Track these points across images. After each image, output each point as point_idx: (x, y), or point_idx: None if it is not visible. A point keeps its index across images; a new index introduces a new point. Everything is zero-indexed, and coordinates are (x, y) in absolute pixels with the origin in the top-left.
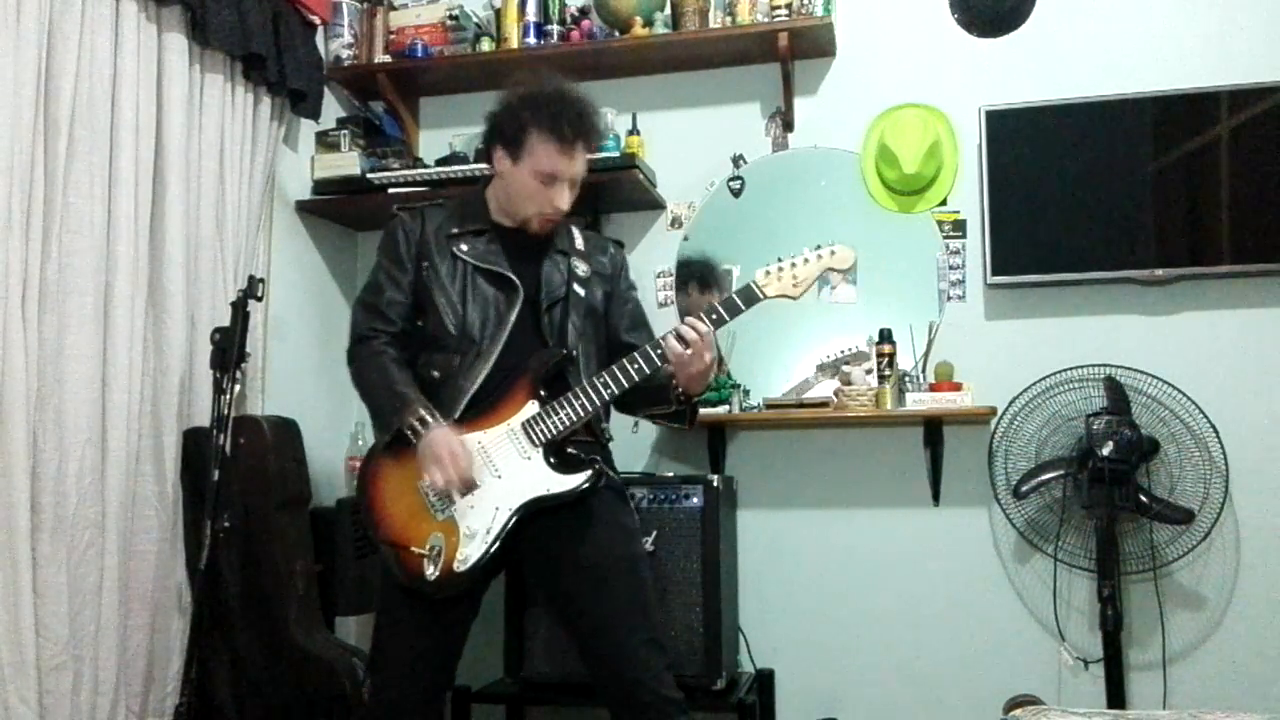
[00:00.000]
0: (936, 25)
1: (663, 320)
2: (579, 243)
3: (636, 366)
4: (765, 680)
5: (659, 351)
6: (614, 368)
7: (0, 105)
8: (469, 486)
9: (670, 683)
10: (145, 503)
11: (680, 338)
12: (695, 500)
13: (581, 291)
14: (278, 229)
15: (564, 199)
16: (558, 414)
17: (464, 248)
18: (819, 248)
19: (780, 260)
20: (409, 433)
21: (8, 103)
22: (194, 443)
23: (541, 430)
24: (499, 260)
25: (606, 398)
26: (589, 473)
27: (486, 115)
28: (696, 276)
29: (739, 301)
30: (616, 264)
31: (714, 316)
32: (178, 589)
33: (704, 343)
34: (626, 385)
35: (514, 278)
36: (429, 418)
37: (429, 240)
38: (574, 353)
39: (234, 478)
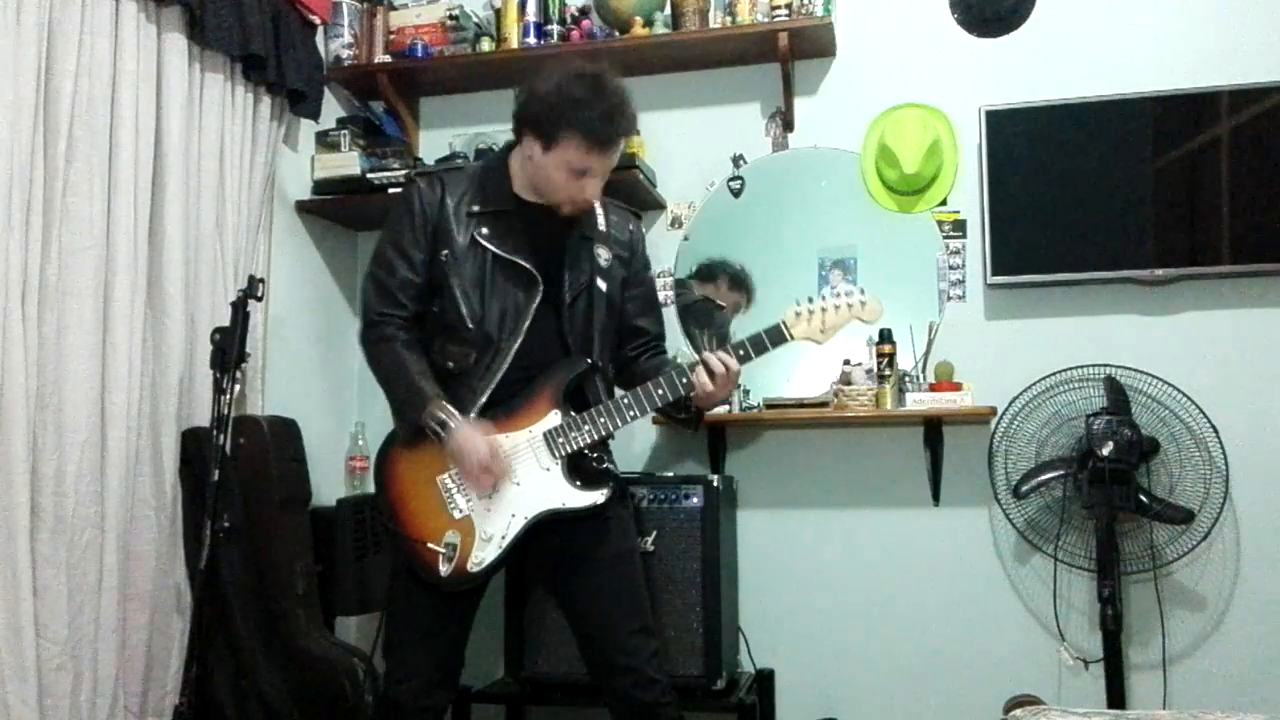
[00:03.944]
0: (936, 25)
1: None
2: (600, 222)
3: (661, 393)
4: (765, 680)
5: (685, 381)
6: (639, 392)
7: (0, 105)
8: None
9: (658, 667)
10: (144, 503)
11: (710, 373)
12: (695, 500)
13: (604, 285)
14: (278, 229)
15: (593, 191)
16: (580, 429)
17: (485, 231)
18: (850, 294)
19: (811, 300)
20: (430, 432)
21: (8, 103)
22: (193, 443)
23: (563, 443)
24: (521, 249)
25: (630, 419)
26: (604, 492)
27: (521, 92)
28: (727, 274)
29: (767, 342)
30: (636, 243)
31: (740, 353)
32: (177, 589)
33: (731, 378)
34: (650, 410)
35: (535, 272)
36: (449, 418)
37: (448, 214)
38: (599, 363)
39: (234, 478)
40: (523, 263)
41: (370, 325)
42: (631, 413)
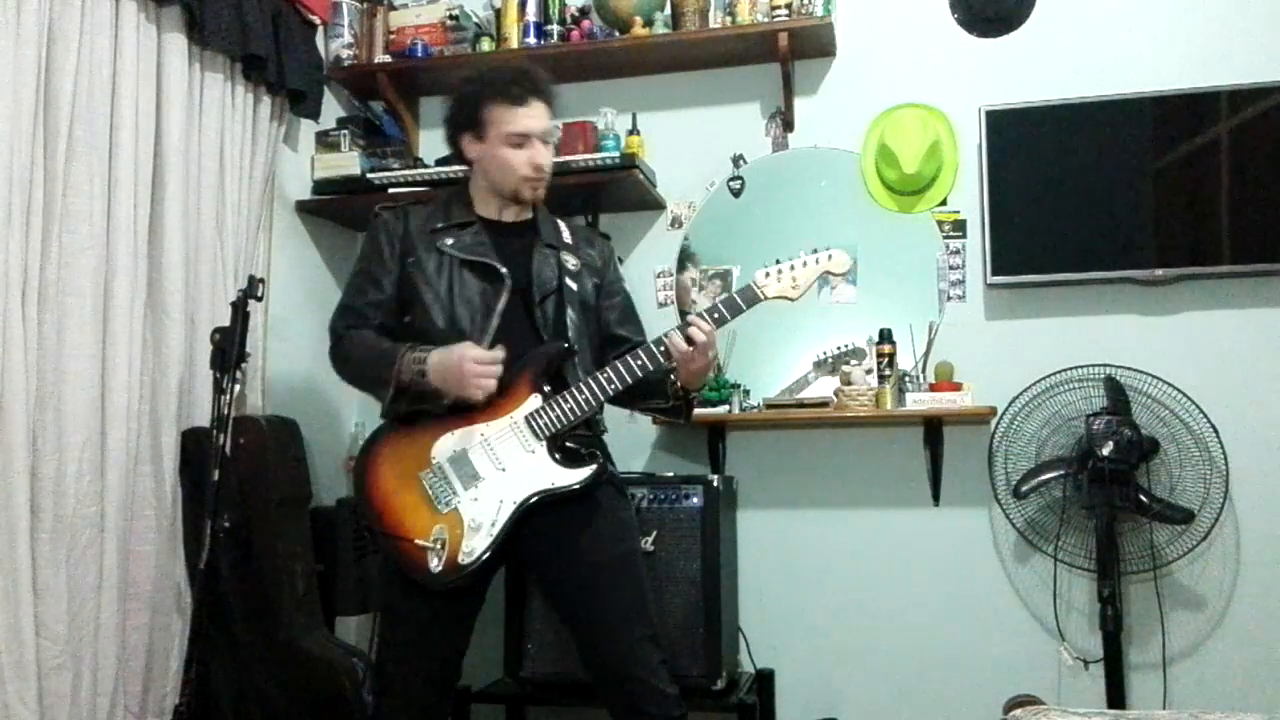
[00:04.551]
0: (936, 25)
1: (663, 320)
2: (566, 236)
3: (640, 363)
4: (765, 680)
5: (662, 349)
6: (618, 364)
7: (0, 105)
8: (481, 461)
9: (666, 678)
10: (144, 503)
11: (687, 337)
12: (695, 500)
13: (574, 285)
14: (278, 229)
15: (541, 156)
16: (562, 407)
17: (449, 242)
18: (815, 251)
19: (779, 262)
20: (413, 382)
21: (8, 103)
22: (193, 442)
23: (545, 424)
24: (485, 251)
25: (611, 393)
26: (593, 468)
27: (443, 118)
28: (678, 263)
29: (740, 301)
30: (605, 256)
31: (715, 315)
32: (177, 589)
33: (707, 341)
34: (630, 381)
35: (500, 268)
36: (423, 353)
37: (413, 238)
38: (574, 347)
39: (234, 477)
40: (487, 261)
41: (336, 339)
42: (613, 385)
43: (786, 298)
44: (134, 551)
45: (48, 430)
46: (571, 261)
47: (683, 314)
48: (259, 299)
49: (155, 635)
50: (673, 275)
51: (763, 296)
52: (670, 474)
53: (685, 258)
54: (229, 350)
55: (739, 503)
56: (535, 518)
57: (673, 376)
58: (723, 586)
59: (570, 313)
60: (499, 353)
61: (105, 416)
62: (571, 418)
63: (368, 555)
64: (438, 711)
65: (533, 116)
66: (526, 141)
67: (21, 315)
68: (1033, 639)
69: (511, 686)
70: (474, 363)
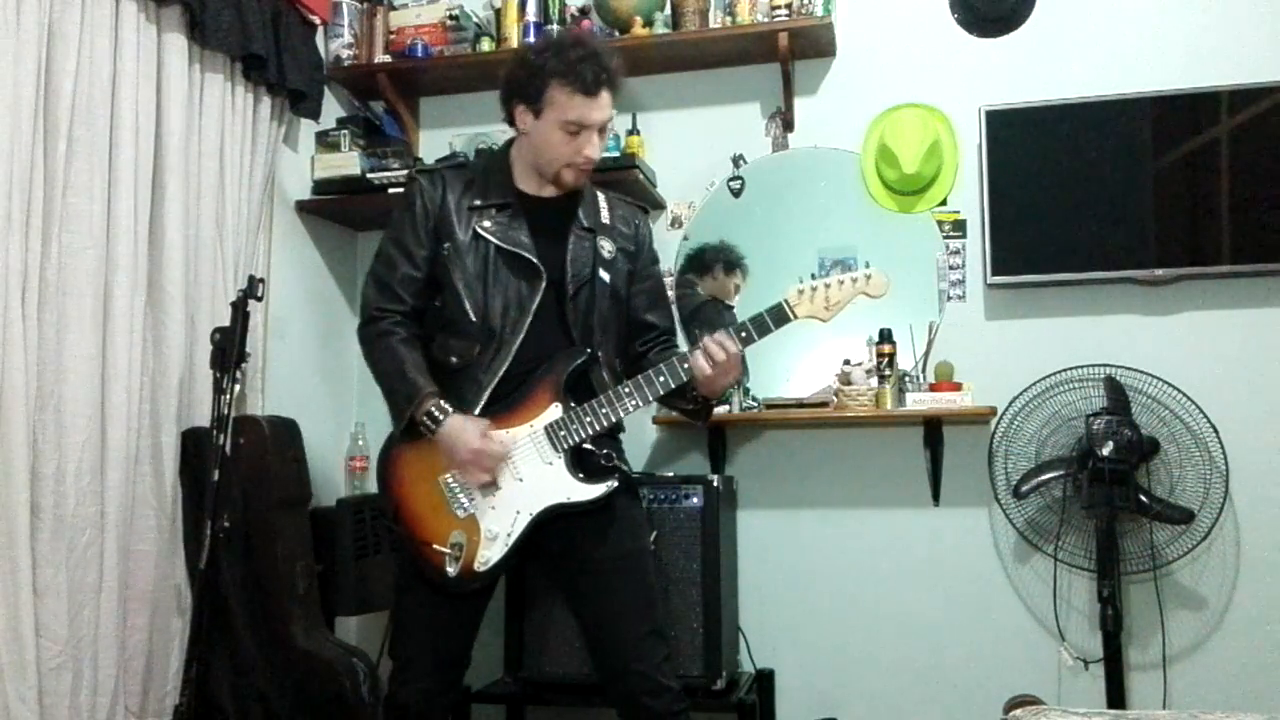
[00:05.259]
0: (936, 25)
1: None
2: (604, 215)
3: (662, 380)
4: (765, 680)
5: (685, 366)
6: (640, 380)
7: (0, 105)
8: (500, 470)
9: (669, 672)
10: (144, 503)
11: (709, 357)
12: (695, 500)
13: (607, 277)
14: (278, 229)
15: (593, 148)
16: (581, 420)
17: (487, 224)
18: (852, 269)
19: (814, 278)
20: (422, 427)
21: (8, 103)
22: (193, 442)
23: (565, 436)
24: (523, 240)
25: (630, 409)
26: (609, 484)
27: (503, 75)
28: (721, 260)
29: (769, 321)
30: (641, 237)
31: (743, 335)
32: (177, 589)
33: (731, 362)
34: (651, 399)
35: (538, 262)
36: (439, 411)
37: (449, 211)
38: (598, 353)
39: (234, 478)
40: (525, 254)
41: (368, 321)
42: (632, 401)
43: (818, 319)
44: (134, 551)
45: (48, 430)
46: (607, 249)
47: (684, 315)
48: (259, 299)
49: (155, 635)
50: (673, 274)
51: (793, 317)
52: (670, 474)
53: (730, 261)
54: (229, 350)
55: (739, 503)
56: (549, 522)
57: (690, 382)
58: (723, 586)
59: (599, 308)
60: (503, 450)
61: (105, 416)
62: (590, 432)
63: (368, 555)
64: (446, 702)
65: (597, 108)
66: (583, 131)
67: (21, 315)
68: (1033, 639)
69: (511, 686)
70: (480, 456)
